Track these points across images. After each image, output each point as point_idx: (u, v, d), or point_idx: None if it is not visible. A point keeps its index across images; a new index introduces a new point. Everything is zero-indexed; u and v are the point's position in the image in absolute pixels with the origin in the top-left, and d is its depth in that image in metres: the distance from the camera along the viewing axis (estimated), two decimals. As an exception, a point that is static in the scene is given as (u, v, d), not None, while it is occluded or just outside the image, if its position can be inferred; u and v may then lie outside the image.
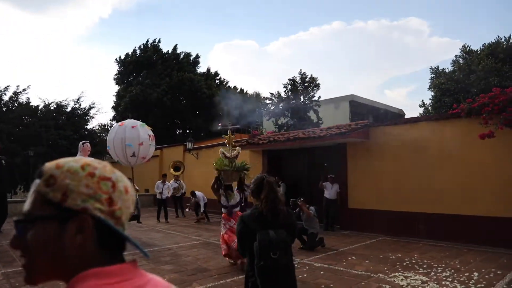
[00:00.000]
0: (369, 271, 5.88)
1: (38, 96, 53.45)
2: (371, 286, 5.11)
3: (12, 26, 75.46)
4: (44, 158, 20.01)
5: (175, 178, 13.38)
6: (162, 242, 8.60)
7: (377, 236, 9.17)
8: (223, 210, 6.69)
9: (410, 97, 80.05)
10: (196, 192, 12.75)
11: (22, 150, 19.44)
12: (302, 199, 8.17)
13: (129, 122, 9.08)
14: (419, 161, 8.94)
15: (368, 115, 28.13)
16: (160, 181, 13.02)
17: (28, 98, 24.66)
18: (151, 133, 9.07)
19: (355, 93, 29.60)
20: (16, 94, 23.19)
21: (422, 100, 55.29)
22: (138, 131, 8.76)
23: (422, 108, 31.47)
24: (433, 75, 30.36)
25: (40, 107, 24.07)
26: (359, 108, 28.73)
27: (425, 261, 6.51)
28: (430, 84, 30.26)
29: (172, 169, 13.67)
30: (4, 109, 22.37)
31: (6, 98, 22.95)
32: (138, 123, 9.12)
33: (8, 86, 23.29)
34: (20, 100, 23.43)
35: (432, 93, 29.96)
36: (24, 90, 23.52)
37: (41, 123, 21.98)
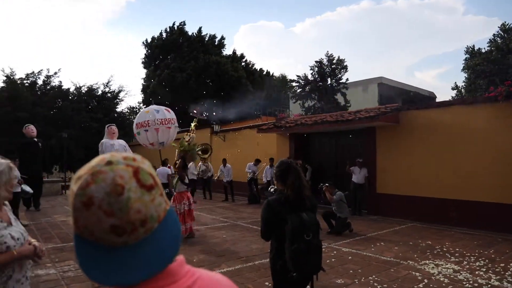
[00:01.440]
0: (398, 258, 5.80)
1: (70, 79, 55.06)
2: (401, 273, 5.04)
3: (39, 12, 77.26)
4: (76, 140, 20.71)
5: (202, 161, 13.58)
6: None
7: (406, 222, 9.01)
8: (182, 188, 7.24)
9: (442, 79, 77.14)
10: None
11: (56, 133, 20.13)
12: (327, 184, 8.10)
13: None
14: (452, 146, 8.63)
15: (397, 98, 27.35)
16: (191, 162, 13.43)
17: (60, 82, 25.33)
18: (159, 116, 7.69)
19: (384, 75, 28.80)
20: (48, 77, 23.87)
21: (455, 82, 52.92)
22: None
23: (455, 91, 30.33)
24: (467, 56, 29.03)
25: (71, 90, 24.72)
26: (388, 91, 27.97)
27: (457, 249, 6.35)
28: (464, 65, 29.00)
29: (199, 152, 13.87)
30: (38, 92, 23.11)
31: (40, 82, 23.69)
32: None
33: (41, 70, 24.02)
34: (52, 84, 24.12)
35: (466, 75, 28.74)
36: (55, 73, 24.17)
37: (73, 106, 22.60)
